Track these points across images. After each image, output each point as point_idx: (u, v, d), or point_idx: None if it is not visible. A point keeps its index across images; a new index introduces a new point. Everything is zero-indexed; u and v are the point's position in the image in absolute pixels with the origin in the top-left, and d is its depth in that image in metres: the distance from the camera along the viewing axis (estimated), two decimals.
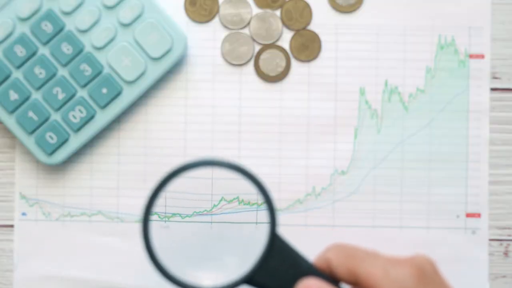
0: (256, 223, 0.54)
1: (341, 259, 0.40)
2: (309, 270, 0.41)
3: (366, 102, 0.55)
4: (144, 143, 0.55)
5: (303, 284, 0.40)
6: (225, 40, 0.55)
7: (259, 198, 0.43)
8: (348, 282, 0.40)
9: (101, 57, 0.53)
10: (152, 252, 0.42)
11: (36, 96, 0.53)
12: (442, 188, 0.55)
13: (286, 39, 0.55)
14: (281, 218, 0.55)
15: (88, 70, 0.53)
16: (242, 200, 0.54)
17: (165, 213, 0.55)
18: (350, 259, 0.40)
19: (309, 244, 0.55)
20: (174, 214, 0.55)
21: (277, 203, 0.55)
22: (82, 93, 0.53)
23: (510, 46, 0.55)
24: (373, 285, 0.39)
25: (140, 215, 0.42)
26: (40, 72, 0.53)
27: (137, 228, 0.55)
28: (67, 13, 0.53)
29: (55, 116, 0.53)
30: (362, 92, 0.55)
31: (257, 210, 0.54)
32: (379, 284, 0.39)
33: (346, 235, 0.55)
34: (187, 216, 0.54)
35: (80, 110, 0.53)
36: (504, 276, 0.55)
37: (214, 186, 0.54)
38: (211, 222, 0.54)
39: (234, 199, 0.54)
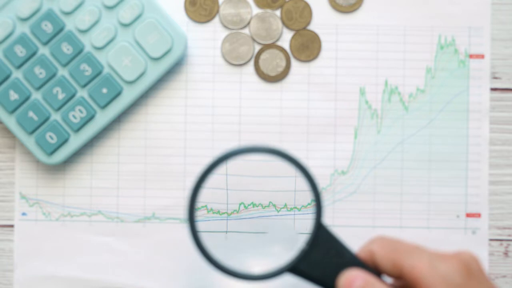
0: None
1: (385, 251, 0.40)
2: (352, 261, 0.41)
3: (366, 102, 0.55)
4: (144, 143, 0.55)
5: (347, 275, 0.40)
6: (225, 40, 0.55)
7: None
8: (392, 275, 0.40)
9: (101, 57, 0.53)
10: (198, 239, 0.42)
11: (36, 96, 0.53)
12: (442, 188, 0.55)
13: (286, 39, 0.55)
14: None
15: (88, 70, 0.53)
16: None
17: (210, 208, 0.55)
18: (395, 252, 0.40)
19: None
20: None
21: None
22: (82, 93, 0.53)
23: (510, 46, 0.55)
24: (419, 278, 0.39)
25: (186, 204, 0.41)
26: (40, 72, 0.53)
27: (137, 227, 0.55)
28: (67, 13, 0.53)
29: (55, 116, 0.53)
30: (362, 92, 0.55)
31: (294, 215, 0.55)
32: (425, 278, 0.39)
33: (346, 235, 0.55)
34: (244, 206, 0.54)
35: (80, 110, 0.53)
36: (504, 276, 0.55)
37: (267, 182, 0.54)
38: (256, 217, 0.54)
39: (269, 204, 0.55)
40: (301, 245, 0.41)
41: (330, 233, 0.41)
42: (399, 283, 0.41)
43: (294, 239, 0.54)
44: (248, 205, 0.54)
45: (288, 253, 0.42)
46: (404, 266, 0.39)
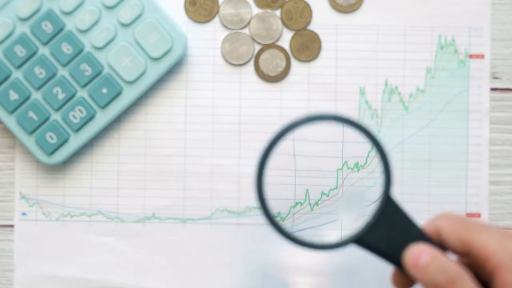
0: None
1: (453, 228, 0.40)
2: (419, 236, 0.40)
3: (366, 102, 0.55)
4: (144, 143, 0.55)
5: (413, 249, 0.40)
6: (225, 40, 0.55)
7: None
8: (458, 252, 0.40)
9: (101, 57, 0.53)
10: (266, 206, 0.41)
11: (36, 96, 0.53)
12: (442, 188, 0.55)
13: (286, 39, 0.55)
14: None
15: (88, 70, 0.53)
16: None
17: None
18: (464, 229, 0.40)
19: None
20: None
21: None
22: (82, 93, 0.53)
23: (510, 46, 0.55)
24: (488, 257, 0.38)
25: (255, 170, 0.41)
26: (40, 72, 0.53)
27: (137, 227, 0.55)
28: (67, 13, 0.53)
29: (55, 116, 0.53)
30: (362, 92, 0.55)
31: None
32: (495, 256, 0.38)
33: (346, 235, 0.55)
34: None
35: (80, 110, 0.53)
36: None
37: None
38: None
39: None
40: (368, 217, 0.41)
41: (397, 206, 0.41)
42: (464, 260, 0.41)
43: (362, 211, 0.53)
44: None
45: (354, 225, 0.42)
46: (473, 244, 0.39)
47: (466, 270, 0.39)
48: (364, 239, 0.41)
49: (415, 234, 0.41)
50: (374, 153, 0.40)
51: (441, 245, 0.40)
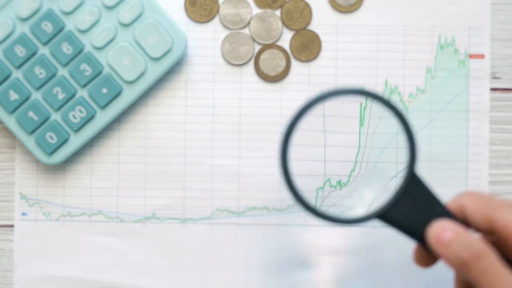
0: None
1: (477, 205, 0.40)
2: (443, 212, 0.40)
3: (366, 102, 0.55)
4: (144, 143, 0.55)
5: (437, 225, 0.40)
6: (225, 40, 0.55)
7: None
8: (482, 229, 0.40)
9: (101, 57, 0.53)
10: (291, 181, 0.41)
11: (36, 96, 0.53)
12: (442, 188, 0.55)
13: (286, 39, 0.55)
14: (281, 218, 0.55)
15: (88, 70, 0.53)
16: None
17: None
18: (488, 207, 0.40)
19: (309, 244, 0.55)
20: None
21: (277, 203, 0.55)
22: (82, 93, 0.53)
23: (510, 46, 0.55)
24: None
25: (279, 144, 0.41)
26: (40, 72, 0.53)
27: (137, 227, 0.55)
28: (67, 13, 0.53)
29: (55, 116, 0.53)
30: None
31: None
32: None
33: (346, 235, 0.55)
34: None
35: (80, 110, 0.53)
36: None
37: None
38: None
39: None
40: (392, 192, 0.41)
41: (422, 182, 0.41)
42: (488, 238, 0.41)
43: (386, 186, 0.53)
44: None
45: (379, 200, 0.42)
46: (498, 221, 0.39)
47: (490, 247, 0.39)
48: (388, 214, 0.41)
49: (439, 210, 0.40)
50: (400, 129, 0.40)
51: (465, 223, 0.40)
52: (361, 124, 0.54)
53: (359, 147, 0.54)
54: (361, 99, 0.41)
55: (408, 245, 0.42)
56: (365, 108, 0.53)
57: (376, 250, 0.55)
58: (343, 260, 0.55)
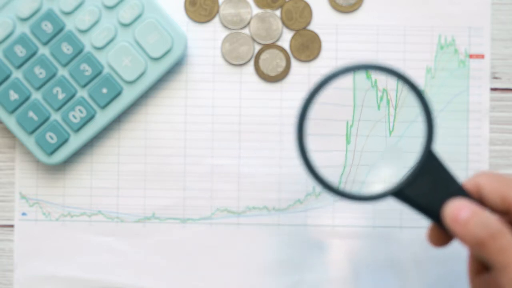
0: None
1: (494, 185, 0.40)
2: (459, 191, 0.40)
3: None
4: (144, 143, 0.55)
5: (454, 204, 0.40)
6: (225, 40, 0.55)
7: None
8: (499, 209, 0.40)
9: (101, 57, 0.53)
10: (306, 157, 0.41)
11: (36, 96, 0.53)
12: None
13: (286, 39, 0.55)
14: (281, 218, 0.55)
15: (88, 70, 0.53)
16: None
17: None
18: (505, 187, 0.39)
19: (309, 244, 0.55)
20: None
21: (277, 203, 0.55)
22: (82, 93, 0.53)
23: (510, 46, 0.55)
24: None
25: (295, 120, 0.41)
26: (40, 72, 0.53)
27: (137, 227, 0.55)
28: (67, 13, 0.53)
29: (55, 116, 0.53)
30: None
31: None
32: None
33: (346, 235, 0.55)
34: None
35: (80, 110, 0.53)
36: None
37: None
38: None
39: None
40: (408, 170, 0.41)
41: (438, 160, 0.41)
42: (504, 218, 0.41)
43: (404, 164, 0.53)
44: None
45: (394, 178, 0.41)
46: None
47: (507, 226, 0.39)
48: (404, 192, 0.41)
49: (455, 189, 0.40)
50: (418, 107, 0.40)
51: (481, 203, 0.40)
52: (388, 101, 0.53)
53: (388, 121, 0.53)
54: (379, 74, 0.40)
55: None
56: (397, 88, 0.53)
57: (376, 250, 0.55)
58: (342, 260, 0.55)
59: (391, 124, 0.54)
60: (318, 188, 0.55)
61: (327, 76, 0.41)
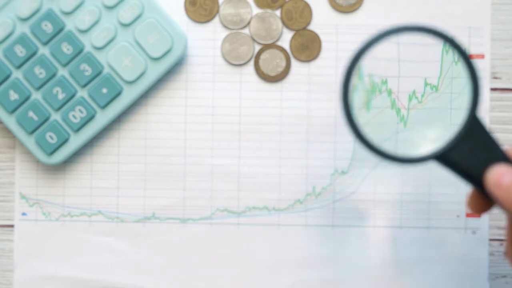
0: None
1: None
2: (502, 157, 0.40)
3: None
4: (144, 143, 0.55)
5: (497, 169, 0.40)
6: (225, 40, 0.55)
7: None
8: None
9: (101, 57, 0.53)
10: (351, 114, 0.41)
11: (36, 96, 0.53)
12: (442, 188, 0.55)
13: (286, 39, 0.55)
14: (281, 218, 0.55)
15: (88, 70, 0.53)
16: None
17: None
18: None
19: (309, 244, 0.55)
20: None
21: (277, 203, 0.55)
22: (82, 93, 0.53)
23: (510, 46, 0.55)
24: None
25: (342, 76, 0.41)
26: (40, 72, 0.53)
27: (137, 227, 0.55)
28: (67, 13, 0.53)
29: (55, 116, 0.53)
30: None
31: None
32: None
33: (346, 235, 0.55)
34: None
35: (80, 110, 0.53)
36: (504, 276, 0.55)
37: None
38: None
39: None
40: (452, 134, 0.41)
41: (482, 125, 0.41)
42: None
43: (447, 127, 0.52)
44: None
45: (439, 141, 0.41)
46: None
47: None
48: (447, 156, 0.41)
49: (498, 155, 0.40)
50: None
51: None
52: (441, 68, 0.53)
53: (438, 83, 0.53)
54: (425, 36, 0.40)
55: None
56: (447, 51, 0.52)
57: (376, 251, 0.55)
58: (343, 260, 0.55)
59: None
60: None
61: (377, 34, 0.41)
